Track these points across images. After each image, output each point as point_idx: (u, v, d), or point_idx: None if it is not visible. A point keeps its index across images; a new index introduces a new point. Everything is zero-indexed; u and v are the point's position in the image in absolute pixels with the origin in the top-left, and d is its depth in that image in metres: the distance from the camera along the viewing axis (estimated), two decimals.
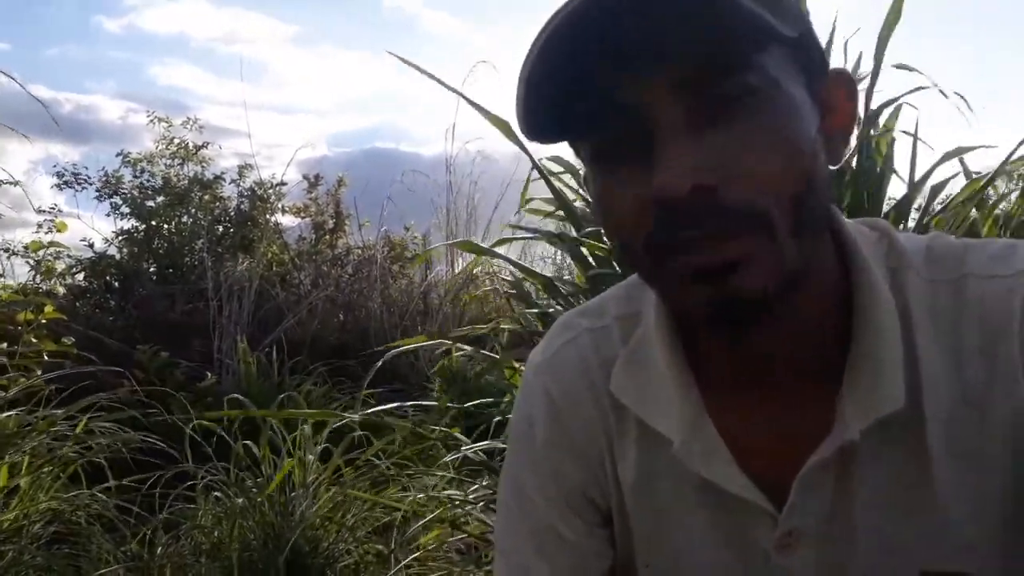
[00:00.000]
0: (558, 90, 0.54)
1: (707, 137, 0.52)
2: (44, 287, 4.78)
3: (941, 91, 1.78)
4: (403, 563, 2.12)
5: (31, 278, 4.59)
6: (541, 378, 0.77)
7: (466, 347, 2.41)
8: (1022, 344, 0.58)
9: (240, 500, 2.28)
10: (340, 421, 2.54)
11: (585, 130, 0.57)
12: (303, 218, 6.62)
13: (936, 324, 0.61)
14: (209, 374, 3.83)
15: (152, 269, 5.90)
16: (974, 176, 1.73)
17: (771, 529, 0.64)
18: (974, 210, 1.70)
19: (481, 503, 1.96)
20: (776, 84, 0.54)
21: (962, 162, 1.76)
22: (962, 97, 1.80)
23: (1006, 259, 0.61)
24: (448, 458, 2.24)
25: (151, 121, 6.37)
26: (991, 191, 1.75)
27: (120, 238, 5.88)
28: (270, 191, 6.37)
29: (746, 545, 0.67)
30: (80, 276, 5.67)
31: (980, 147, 1.78)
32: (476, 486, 2.29)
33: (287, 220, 6.63)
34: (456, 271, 5.88)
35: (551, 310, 1.95)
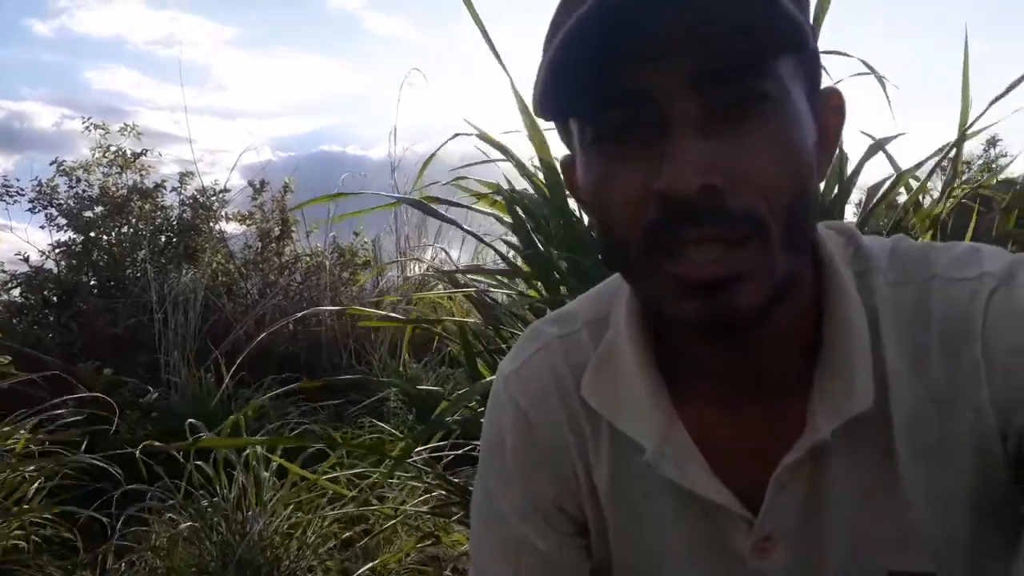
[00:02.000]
0: (579, 68, 0.53)
1: (717, 137, 0.53)
2: None
3: (878, 77, 1.81)
4: None
5: None
6: (510, 390, 0.77)
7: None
8: (984, 346, 0.59)
9: (195, 523, 2.22)
10: (295, 432, 2.50)
11: (597, 111, 0.56)
12: (248, 225, 6.47)
13: (901, 326, 0.63)
14: (151, 388, 3.72)
15: (92, 283, 5.69)
16: (902, 171, 1.75)
17: (747, 533, 0.65)
18: (909, 210, 1.74)
19: (447, 513, 1.94)
20: (787, 94, 0.55)
21: (890, 158, 1.78)
22: (887, 85, 1.82)
23: (969, 262, 0.63)
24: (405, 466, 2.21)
25: (87, 128, 6.15)
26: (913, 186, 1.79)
27: (57, 251, 5.66)
28: (213, 198, 6.22)
29: (722, 549, 0.67)
30: (16, 292, 5.46)
31: (899, 135, 1.80)
32: (436, 494, 2.27)
33: (232, 228, 6.49)
34: (408, 276, 5.84)
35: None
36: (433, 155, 2.08)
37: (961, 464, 0.61)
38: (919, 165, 1.74)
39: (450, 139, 2.03)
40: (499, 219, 1.95)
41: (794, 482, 0.64)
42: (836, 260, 0.64)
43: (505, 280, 2.09)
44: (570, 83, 0.54)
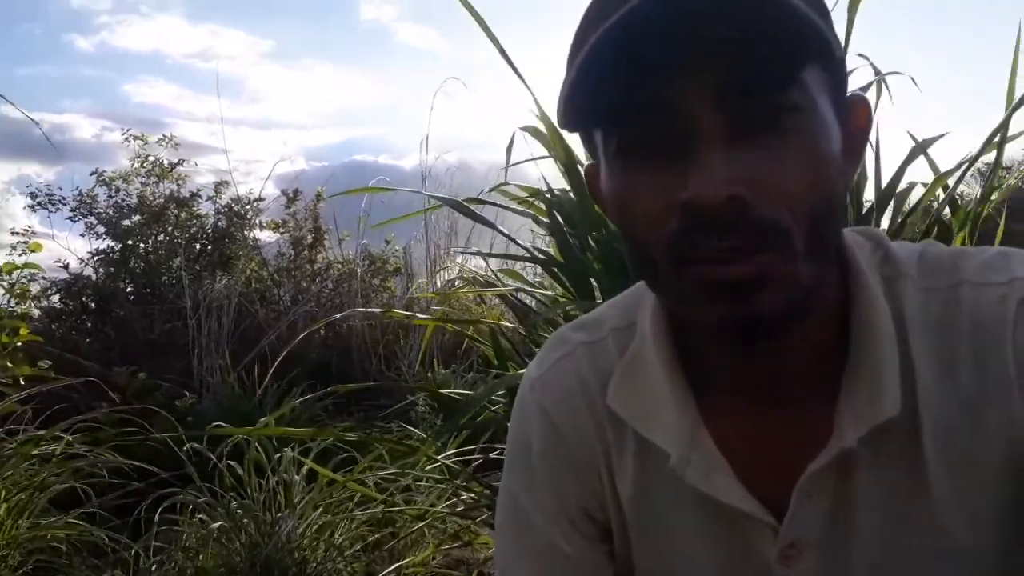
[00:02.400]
0: (605, 78, 0.53)
1: (744, 149, 0.52)
2: (18, 310, 4.70)
3: (912, 79, 1.78)
4: None
5: (5, 301, 4.51)
6: (536, 395, 0.77)
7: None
8: (1016, 351, 0.58)
9: (224, 523, 2.25)
10: (326, 441, 2.52)
11: (622, 123, 0.56)
12: (282, 233, 6.57)
13: (931, 332, 0.61)
14: (187, 393, 3.78)
15: (129, 289, 5.82)
16: (941, 173, 1.72)
17: (772, 541, 0.64)
18: (946, 209, 1.71)
19: (474, 515, 1.94)
20: (814, 104, 0.54)
21: (929, 159, 1.75)
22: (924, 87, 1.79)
23: (999, 266, 0.62)
24: (429, 466, 2.22)
25: (126, 139, 6.31)
26: (958, 189, 1.75)
27: (95, 258, 5.80)
28: (247, 207, 6.32)
29: (747, 557, 0.66)
30: (55, 298, 5.59)
31: (941, 136, 1.77)
32: (465, 497, 2.27)
33: (265, 236, 6.59)
34: (438, 283, 5.87)
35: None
36: (511, 146, 2.05)
37: (992, 473, 0.60)
38: (958, 167, 1.71)
39: (514, 134, 2.01)
40: (537, 220, 1.94)
41: (819, 490, 0.63)
42: (863, 266, 0.64)
43: (538, 286, 2.08)
44: (595, 94, 0.54)
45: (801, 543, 0.64)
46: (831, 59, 0.55)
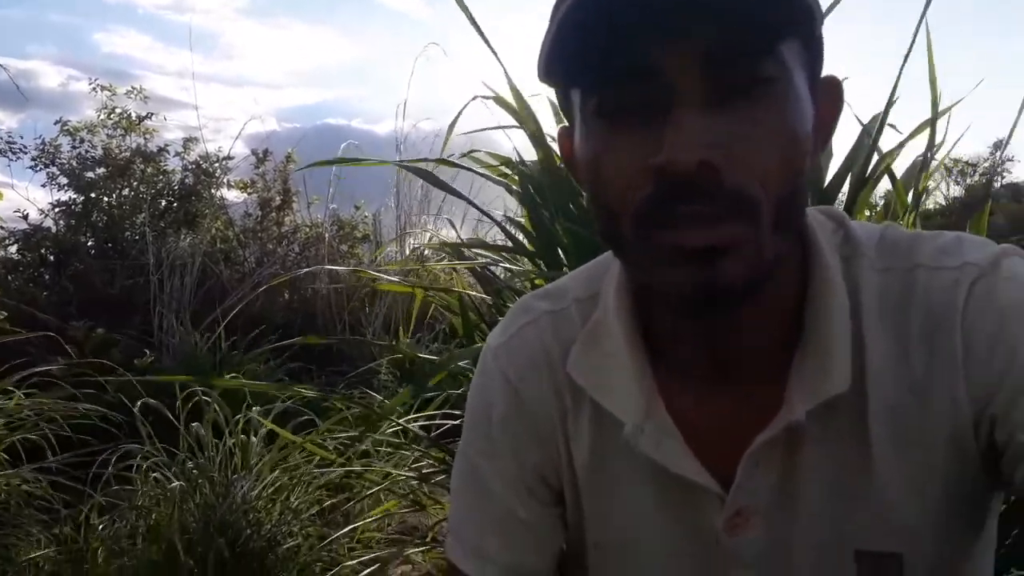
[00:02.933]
0: (587, 38, 0.53)
1: (719, 116, 0.53)
2: None
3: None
4: (344, 543, 2.11)
5: None
6: (499, 362, 0.77)
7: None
8: (964, 335, 0.59)
9: (180, 483, 2.23)
10: (287, 401, 2.51)
11: (603, 82, 0.56)
12: (249, 194, 6.47)
13: (885, 312, 0.63)
14: (147, 352, 3.74)
15: (90, 243, 5.70)
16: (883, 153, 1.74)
17: (720, 510, 0.66)
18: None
19: (431, 480, 1.95)
20: (790, 78, 0.55)
21: (875, 145, 1.77)
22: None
23: (953, 251, 0.63)
24: (389, 432, 2.22)
25: (93, 89, 6.13)
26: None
27: (56, 210, 5.67)
28: (216, 165, 6.21)
29: (696, 526, 0.68)
30: (13, 248, 5.46)
31: (880, 117, 1.77)
32: (424, 463, 2.28)
33: (233, 196, 6.49)
34: (407, 251, 5.84)
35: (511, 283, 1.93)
36: (456, 119, 2.02)
37: (935, 452, 0.61)
38: (900, 146, 1.73)
39: (470, 101, 1.98)
40: (509, 189, 1.93)
41: (768, 460, 0.64)
42: (823, 244, 0.64)
43: (507, 256, 2.07)
44: (578, 52, 0.54)
45: (747, 511, 0.65)
46: (811, 36, 0.56)
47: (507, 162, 1.94)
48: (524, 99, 1.81)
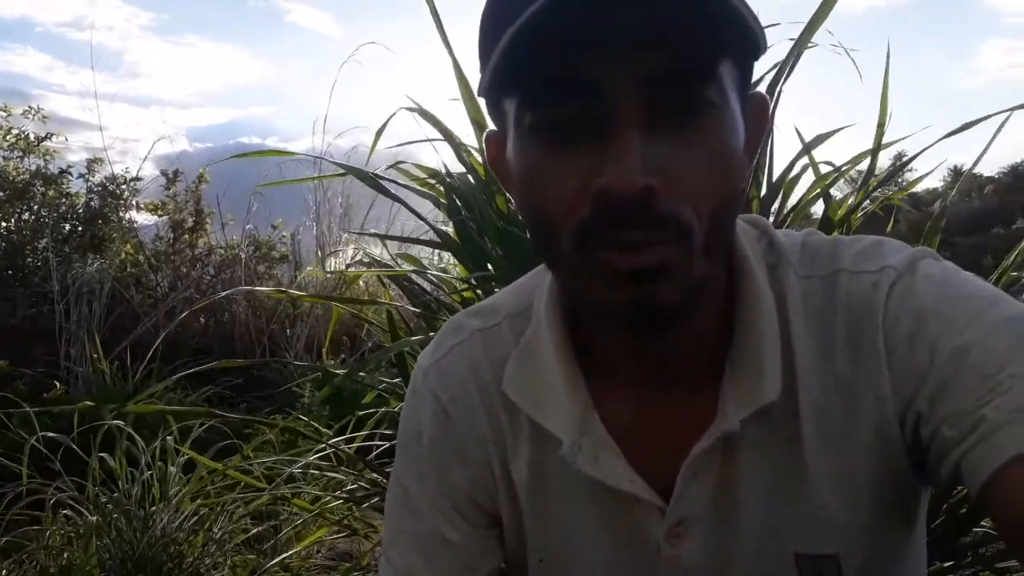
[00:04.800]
0: (532, 54, 0.52)
1: (659, 139, 0.52)
2: None
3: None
4: (273, 571, 2.04)
5: None
6: (429, 383, 0.76)
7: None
8: (886, 335, 0.61)
9: (94, 518, 2.12)
10: (205, 426, 2.42)
11: (543, 99, 0.55)
12: (160, 216, 6.24)
13: (809, 318, 0.64)
14: (57, 383, 3.55)
15: None
16: (823, 173, 1.81)
17: (660, 520, 0.66)
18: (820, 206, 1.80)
19: (362, 504, 1.90)
20: (727, 101, 0.55)
21: (813, 164, 1.84)
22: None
23: (873, 255, 0.65)
24: (313, 457, 2.16)
25: None
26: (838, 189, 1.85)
27: None
28: (123, 187, 5.97)
29: (638, 538, 0.68)
30: None
31: (840, 129, 1.83)
32: (353, 486, 2.23)
33: (143, 218, 6.24)
34: (327, 271, 5.73)
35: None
36: (382, 129, 1.97)
37: (864, 452, 0.63)
38: (837, 169, 1.80)
39: (394, 113, 1.94)
40: (436, 203, 1.91)
41: (705, 470, 0.65)
42: (749, 253, 0.66)
43: (434, 268, 2.05)
44: (521, 67, 0.53)
45: (687, 521, 0.66)
46: (747, 56, 0.57)
47: (434, 174, 1.92)
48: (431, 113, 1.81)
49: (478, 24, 0.60)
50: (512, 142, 0.60)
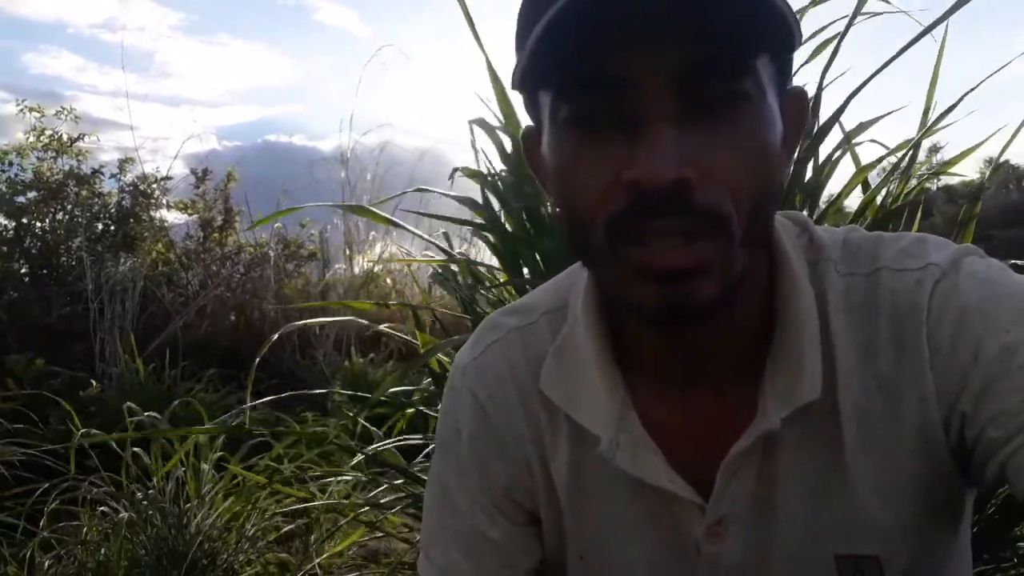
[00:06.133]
0: (567, 46, 0.52)
1: (693, 131, 0.52)
2: None
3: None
4: (305, 570, 2.06)
5: None
6: (467, 381, 0.76)
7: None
8: (929, 334, 0.60)
9: (129, 514, 2.15)
10: (237, 421, 2.44)
11: (577, 92, 0.55)
12: (190, 215, 6.33)
13: (851, 316, 0.63)
14: (93, 381, 3.61)
15: (24, 270, 5.50)
16: (862, 166, 1.77)
17: (699, 519, 0.66)
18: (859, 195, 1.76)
19: (396, 505, 1.91)
20: (763, 94, 0.55)
21: (853, 153, 1.79)
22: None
23: (916, 252, 0.64)
24: (354, 461, 2.17)
25: (21, 111, 5.94)
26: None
27: None
28: (154, 186, 6.06)
29: (677, 536, 0.68)
30: None
31: (886, 115, 1.78)
32: (385, 485, 2.24)
33: (173, 217, 6.33)
34: (356, 270, 5.77)
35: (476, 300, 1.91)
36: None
37: (906, 452, 0.62)
38: (877, 162, 1.77)
39: (473, 121, 1.94)
40: (475, 204, 1.90)
41: (744, 469, 0.64)
42: (789, 250, 0.65)
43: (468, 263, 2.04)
44: (557, 59, 0.53)
45: (727, 520, 0.66)
46: (786, 50, 0.56)
47: (474, 172, 1.92)
48: (509, 101, 1.80)
49: (515, 18, 0.60)
50: (547, 136, 0.60)
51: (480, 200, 1.84)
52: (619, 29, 0.51)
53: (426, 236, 2.02)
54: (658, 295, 0.54)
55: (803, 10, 1.74)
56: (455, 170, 1.92)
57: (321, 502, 2.17)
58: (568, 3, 0.49)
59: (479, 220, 1.89)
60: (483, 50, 1.76)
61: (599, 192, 0.55)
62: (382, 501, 1.94)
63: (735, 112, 0.53)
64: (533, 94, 0.62)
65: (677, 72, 0.51)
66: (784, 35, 0.52)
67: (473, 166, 1.91)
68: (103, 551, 2.14)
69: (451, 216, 1.98)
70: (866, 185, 1.73)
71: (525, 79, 0.56)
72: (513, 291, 1.78)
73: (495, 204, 1.82)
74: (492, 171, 1.86)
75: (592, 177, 0.55)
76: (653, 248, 0.53)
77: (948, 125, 1.64)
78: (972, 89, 1.59)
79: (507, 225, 1.79)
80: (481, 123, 1.85)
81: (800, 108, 0.63)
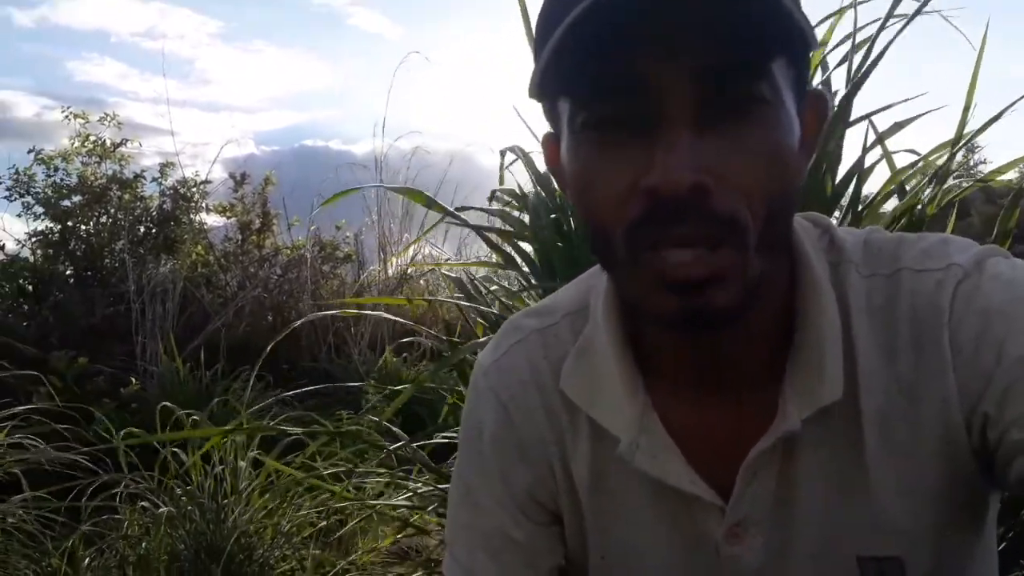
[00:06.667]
0: (584, 50, 0.52)
1: (710, 136, 0.52)
2: None
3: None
4: (340, 566, 2.09)
5: None
6: (489, 382, 0.77)
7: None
8: (951, 336, 0.60)
9: (169, 509, 2.20)
10: (274, 421, 2.48)
11: (594, 97, 0.55)
12: (229, 218, 6.43)
13: (872, 317, 0.63)
14: (133, 379, 3.69)
15: (69, 272, 5.64)
16: (897, 170, 1.74)
17: (719, 520, 0.66)
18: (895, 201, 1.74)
19: (428, 503, 1.93)
20: (780, 98, 0.54)
21: (887, 153, 1.76)
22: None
23: (937, 253, 0.63)
24: (383, 455, 2.19)
25: (66, 117, 6.08)
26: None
27: (34, 240, 5.61)
28: (194, 190, 6.17)
29: (697, 537, 0.68)
30: None
31: (920, 116, 1.75)
32: (418, 484, 2.26)
33: (212, 220, 6.44)
34: (389, 272, 5.82)
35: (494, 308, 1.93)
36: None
37: (928, 454, 0.62)
38: (911, 166, 1.74)
39: (506, 150, 1.98)
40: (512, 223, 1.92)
41: (765, 470, 0.64)
42: (810, 252, 0.65)
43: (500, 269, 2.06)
44: (573, 64, 0.53)
45: (747, 522, 0.65)
46: (803, 54, 0.56)
47: (512, 193, 1.95)
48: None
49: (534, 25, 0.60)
50: (565, 142, 0.60)
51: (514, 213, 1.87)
52: (636, 33, 0.51)
53: (471, 226, 2.03)
54: (675, 304, 0.54)
55: (842, 10, 1.72)
56: (493, 192, 1.95)
57: (354, 500, 2.19)
58: (587, 8, 0.50)
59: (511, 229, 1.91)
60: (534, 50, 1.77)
61: (617, 199, 0.55)
62: (413, 498, 1.96)
63: (752, 116, 0.53)
64: (552, 101, 0.62)
65: (694, 76, 0.51)
66: (800, 38, 0.52)
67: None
68: (143, 545, 2.19)
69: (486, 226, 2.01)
70: (902, 189, 1.71)
71: (544, 85, 0.56)
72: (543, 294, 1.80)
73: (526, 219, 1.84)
74: (522, 191, 1.88)
75: (610, 184, 0.55)
76: (670, 258, 0.53)
77: (985, 128, 1.61)
78: (1012, 104, 1.56)
79: (538, 234, 1.80)
80: (513, 149, 1.87)
81: (819, 110, 0.63)
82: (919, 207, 1.64)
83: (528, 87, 0.58)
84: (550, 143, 0.67)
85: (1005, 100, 1.54)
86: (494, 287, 2.13)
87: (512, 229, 1.88)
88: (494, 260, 2.07)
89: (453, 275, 2.20)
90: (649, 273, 0.55)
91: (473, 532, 0.76)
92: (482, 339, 1.72)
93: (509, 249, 1.92)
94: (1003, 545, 1.35)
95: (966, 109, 1.65)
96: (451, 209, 1.88)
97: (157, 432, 2.44)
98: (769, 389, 0.64)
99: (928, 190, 1.65)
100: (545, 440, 0.74)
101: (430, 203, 1.86)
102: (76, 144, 6.03)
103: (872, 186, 1.78)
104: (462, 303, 1.91)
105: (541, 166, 1.86)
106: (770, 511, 0.65)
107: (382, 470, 2.25)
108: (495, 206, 1.99)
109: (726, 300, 0.54)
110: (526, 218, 1.86)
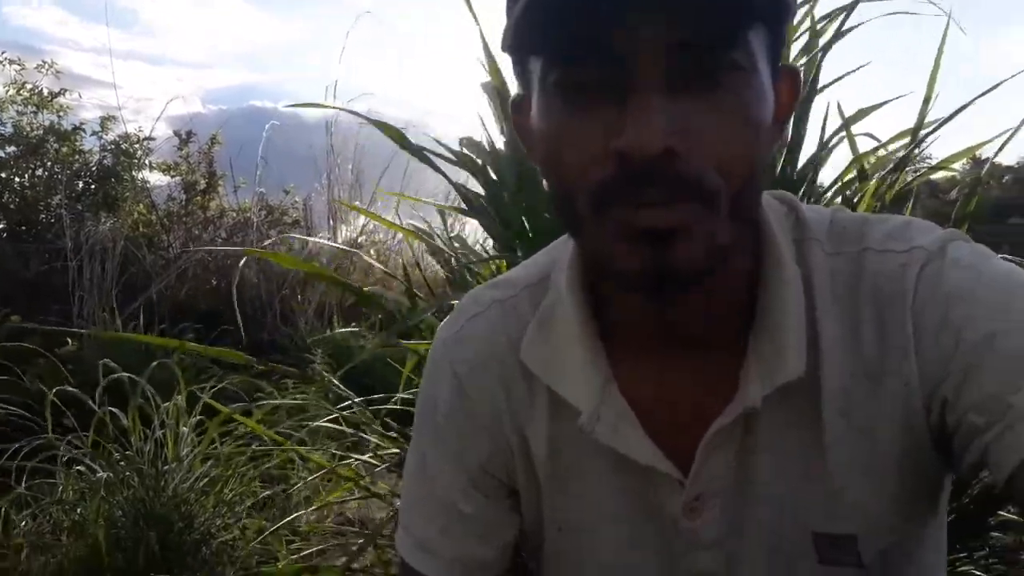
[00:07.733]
0: (557, 11, 0.51)
1: (682, 101, 0.51)
2: None
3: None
4: (283, 536, 2.06)
5: None
6: (447, 354, 0.76)
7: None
8: (914, 318, 0.60)
9: (107, 474, 2.13)
10: (215, 388, 2.43)
11: (566, 56, 0.54)
12: (173, 177, 6.25)
13: (836, 296, 0.63)
14: (70, 340, 3.57)
15: (2, 225, 5.42)
16: (858, 154, 1.76)
17: (679, 494, 0.66)
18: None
19: (373, 468, 1.91)
20: (755, 67, 0.54)
21: (851, 141, 1.79)
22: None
23: (902, 235, 0.64)
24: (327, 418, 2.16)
25: (1, 63, 5.81)
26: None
27: None
28: (136, 146, 5.97)
29: (655, 510, 0.68)
30: None
31: (886, 102, 1.78)
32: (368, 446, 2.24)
33: (155, 178, 6.25)
34: (340, 239, 5.73)
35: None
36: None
37: (888, 435, 0.62)
38: (873, 151, 1.76)
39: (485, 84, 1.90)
40: (474, 173, 1.88)
41: (724, 446, 0.65)
42: (775, 228, 0.65)
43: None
44: (546, 24, 0.52)
45: (705, 496, 0.66)
46: (779, 23, 0.56)
47: (469, 140, 1.89)
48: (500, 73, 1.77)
49: None
50: (536, 102, 0.59)
51: (474, 175, 1.82)
52: None
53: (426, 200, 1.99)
54: (642, 256, 0.53)
55: None
56: (462, 140, 1.89)
57: (298, 449, 2.15)
58: None
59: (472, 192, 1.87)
60: (476, 18, 1.73)
61: (586, 160, 0.54)
62: (358, 464, 1.94)
63: (726, 83, 0.53)
64: (523, 59, 0.61)
65: (669, 41, 0.51)
66: (777, 7, 0.52)
67: (457, 139, 1.88)
68: (79, 510, 2.13)
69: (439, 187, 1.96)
70: (863, 175, 1.73)
71: (516, 40, 0.55)
72: (504, 265, 1.77)
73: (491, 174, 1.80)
74: (492, 143, 1.84)
75: (580, 145, 0.54)
76: (639, 214, 0.53)
77: (944, 121, 1.64)
78: (975, 98, 1.58)
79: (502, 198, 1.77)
80: (486, 87, 1.82)
81: (792, 85, 0.63)
82: (879, 192, 1.66)
83: (501, 41, 0.57)
84: (518, 103, 0.66)
85: (973, 95, 1.57)
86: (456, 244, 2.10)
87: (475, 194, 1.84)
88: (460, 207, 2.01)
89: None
90: (616, 225, 0.54)
91: (427, 505, 0.76)
92: (431, 308, 1.69)
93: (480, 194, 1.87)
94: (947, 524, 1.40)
95: (926, 100, 1.68)
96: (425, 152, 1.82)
97: (95, 395, 2.35)
98: (731, 363, 0.64)
99: (888, 179, 1.68)
100: (501, 413, 0.73)
101: (404, 142, 1.80)
102: (11, 92, 5.77)
103: (828, 175, 1.80)
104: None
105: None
106: (729, 486, 0.66)
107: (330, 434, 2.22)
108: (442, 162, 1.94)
109: (691, 256, 0.53)
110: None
